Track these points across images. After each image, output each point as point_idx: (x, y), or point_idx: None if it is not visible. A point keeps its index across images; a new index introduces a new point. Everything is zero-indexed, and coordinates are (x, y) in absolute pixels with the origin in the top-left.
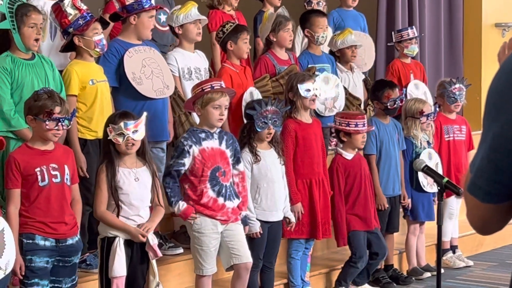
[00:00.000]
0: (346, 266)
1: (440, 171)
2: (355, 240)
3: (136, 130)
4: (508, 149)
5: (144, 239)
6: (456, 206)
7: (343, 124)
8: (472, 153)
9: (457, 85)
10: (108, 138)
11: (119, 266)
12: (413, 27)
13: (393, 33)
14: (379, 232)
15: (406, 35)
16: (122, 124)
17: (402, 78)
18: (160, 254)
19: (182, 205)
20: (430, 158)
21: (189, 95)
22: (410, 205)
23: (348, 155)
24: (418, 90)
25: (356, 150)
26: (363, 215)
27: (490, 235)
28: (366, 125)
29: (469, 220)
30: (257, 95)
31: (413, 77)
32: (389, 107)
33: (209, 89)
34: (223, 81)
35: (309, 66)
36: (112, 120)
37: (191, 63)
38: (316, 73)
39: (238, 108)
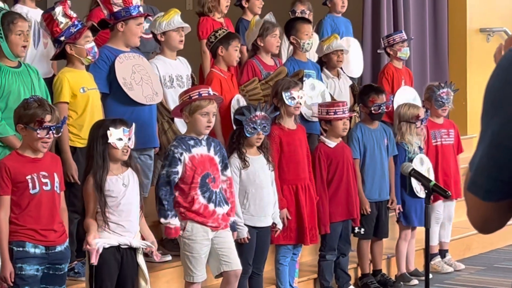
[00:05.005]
0: (318, 264)
1: (431, 176)
2: (330, 232)
3: (129, 138)
4: (507, 146)
5: None
6: (449, 209)
7: (323, 113)
8: (462, 156)
9: (445, 89)
10: (108, 141)
11: None
12: (402, 31)
13: (382, 39)
14: (349, 228)
15: (398, 38)
16: (122, 129)
17: (395, 83)
18: (157, 257)
19: (174, 223)
20: (422, 163)
21: (170, 102)
22: (401, 210)
23: (331, 143)
24: (408, 95)
25: (340, 139)
26: (345, 202)
27: (488, 234)
28: (346, 112)
29: (469, 220)
30: (243, 102)
31: (404, 83)
32: (373, 111)
33: (197, 96)
34: (211, 88)
35: (298, 70)
36: (111, 125)
37: (172, 70)
38: (304, 78)
39: (227, 114)
